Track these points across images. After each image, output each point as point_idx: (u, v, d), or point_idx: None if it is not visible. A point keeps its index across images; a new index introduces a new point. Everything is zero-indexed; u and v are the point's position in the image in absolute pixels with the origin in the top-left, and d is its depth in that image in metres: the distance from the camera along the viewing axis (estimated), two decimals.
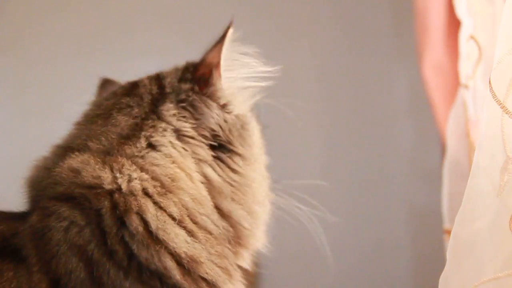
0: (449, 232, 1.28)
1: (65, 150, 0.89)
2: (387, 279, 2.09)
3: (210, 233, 0.85)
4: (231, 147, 0.93)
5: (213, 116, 0.93)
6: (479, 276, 0.84)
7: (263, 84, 0.98)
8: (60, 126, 1.05)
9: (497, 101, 0.80)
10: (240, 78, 0.97)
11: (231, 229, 0.89)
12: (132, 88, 0.96)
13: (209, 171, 0.90)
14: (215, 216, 0.88)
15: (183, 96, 0.92)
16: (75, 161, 0.84)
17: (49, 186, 0.85)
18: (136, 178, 0.83)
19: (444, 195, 1.39)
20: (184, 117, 0.91)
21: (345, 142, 2.11)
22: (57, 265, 0.77)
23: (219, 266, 0.85)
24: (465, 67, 1.32)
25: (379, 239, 2.10)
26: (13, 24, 1.94)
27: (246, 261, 0.94)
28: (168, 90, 0.93)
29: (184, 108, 0.91)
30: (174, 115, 0.90)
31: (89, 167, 0.83)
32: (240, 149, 0.94)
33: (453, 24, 1.42)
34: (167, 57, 1.98)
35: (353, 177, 2.10)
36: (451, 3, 1.40)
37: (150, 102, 0.91)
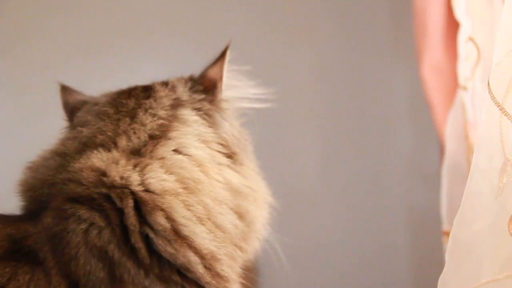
0: (448, 234, 1.28)
1: (84, 146, 0.89)
2: (386, 281, 2.09)
3: (226, 232, 0.89)
4: (238, 158, 0.98)
5: (226, 127, 0.99)
6: (477, 278, 0.84)
7: (256, 106, 1.04)
8: (60, 127, 1.06)
9: (495, 103, 0.80)
10: (235, 98, 1.03)
11: (246, 228, 0.93)
12: (149, 91, 0.98)
13: (228, 173, 0.94)
14: (233, 216, 0.91)
15: (199, 105, 0.97)
16: (99, 159, 0.85)
17: (64, 184, 0.84)
18: (164, 179, 0.85)
19: (443, 197, 1.39)
20: (203, 124, 0.95)
21: (344, 144, 2.11)
22: (76, 267, 0.78)
23: (230, 266, 0.88)
24: (463, 69, 1.32)
25: (378, 241, 2.10)
26: (15, 25, 1.93)
27: (245, 263, 0.96)
28: (184, 98, 0.97)
29: (201, 116, 0.96)
30: (196, 121, 0.95)
31: (119, 167, 0.85)
32: (245, 161, 0.99)
33: (452, 25, 1.42)
34: (168, 59, 1.99)
35: (352, 178, 2.10)
36: (449, 4, 1.40)
37: (171, 107, 0.95)
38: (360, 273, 2.08)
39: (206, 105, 0.98)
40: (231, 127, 1.00)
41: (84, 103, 1.02)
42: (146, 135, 0.89)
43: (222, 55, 1.01)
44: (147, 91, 0.98)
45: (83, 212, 0.80)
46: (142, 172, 0.85)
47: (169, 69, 1.96)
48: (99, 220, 0.80)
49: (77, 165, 0.86)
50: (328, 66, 2.09)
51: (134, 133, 0.89)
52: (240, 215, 0.92)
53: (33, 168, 0.92)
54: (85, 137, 0.91)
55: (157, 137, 0.90)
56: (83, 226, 0.80)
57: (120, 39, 1.97)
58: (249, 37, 2.01)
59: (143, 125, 0.91)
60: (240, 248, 0.92)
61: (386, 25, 2.11)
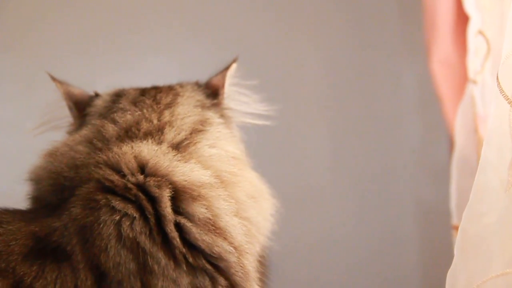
0: (457, 228, 1.28)
1: (125, 132, 0.90)
2: (395, 275, 2.08)
3: (252, 226, 0.91)
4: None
5: (237, 132, 1.05)
6: (487, 272, 0.84)
7: (258, 122, 1.08)
8: (66, 123, 1.06)
9: (504, 96, 0.80)
10: (238, 111, 1.08)
11: (264, 224, 0.96)
12: (174, 90, 1.02)
13: (250, 171, 0.99)
14: (255, 211, 0.94)
15: (218, 110, 1.03)
16: (150, 149, 0.87)
17: (97, 167, 0.85)
18: (203, 172, 0.87)
19: (452, 191, 1.38)
20: (224, 125, 1.00)
21: (353, 138, 2.11)
22: (106, 259, 0.78)
23: (251, 260, 0.89)
24: (473, 62, 1.31)
25: (387, 236, 2.10)
26: (20, 20, 1.94)
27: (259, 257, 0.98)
28: (205, 100, 1.02)
29: (221, 118, 1.02)
30: (220, 123, 1.00)
31: (166, 158, 0.86)
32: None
33: (461, 19, 1.42)
34: (173, 55, 2.00)
35: (361, 173, 2.10)
36: None
37: (201, 107, 1.00)
38: (369, 268, 2.08)
39: (221, 110, 1.04)
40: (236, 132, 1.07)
41: (92, 97, 1.04)
42: (189, 130, 0.93)
43: (227, 67, 1.06)
44: (172, 90, 1.02)
45: (117, 203, 0.81)
46: (184, 164, 0.87)
47: (174, 66, 1.98)
48: (132, 211, 0.80)
49: (117, 150, 0.86)
50: (336, 61, 2.09)
51: (178, 126, 0.93)
52: (259, 211, 0.95)
53: (56, 154, 0.91)
54: (126, 123, 0.92)
55: (196, 131, 0.93)
56: (116, 217, 0.80)
57: (126, 34, 1.97)
58: (257, 30, 2.01)
59: (184, 120, 0.94)
60: (258, 243, 0.93)
61: (395, 19, 2.10)
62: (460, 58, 1.44)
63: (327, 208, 2.08)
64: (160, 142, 0.89)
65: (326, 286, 2.05)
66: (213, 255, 0.82)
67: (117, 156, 0.85)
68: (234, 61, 1.07)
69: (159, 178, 0.84)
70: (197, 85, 1.06)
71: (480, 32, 1.28)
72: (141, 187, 0.83)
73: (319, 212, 2.07)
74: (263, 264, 0.95)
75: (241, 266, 0.85)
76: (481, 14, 1.29)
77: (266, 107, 1.08)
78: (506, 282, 0.82)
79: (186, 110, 0.97)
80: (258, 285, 0.89)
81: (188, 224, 0.82)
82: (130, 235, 0.79)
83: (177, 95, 1.00)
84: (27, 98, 1.83)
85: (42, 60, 1.85)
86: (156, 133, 0.91)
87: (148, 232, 0.80)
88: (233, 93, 1.07)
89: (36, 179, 0.91)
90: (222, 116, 1.03)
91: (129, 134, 0.90)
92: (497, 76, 0.81)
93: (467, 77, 1.35)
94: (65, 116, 1.04)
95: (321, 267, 2.05)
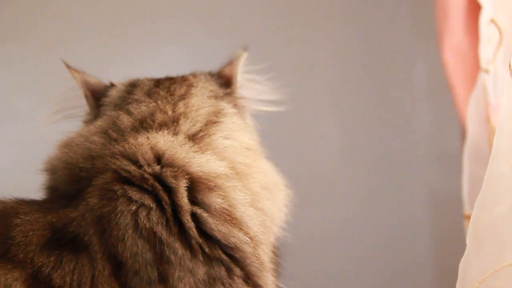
0: (469, 218, 1.28)
1: (141, 123, 0.91)
2: (407, 264, 2.09)
3: (266, 216, 0.91)
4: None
5: (250, 121, 1.07)
6: (499, 261, 0.84)
7: (271, 109, 1.09)
8: (80, 113, 1.06)
9: None
10: (251, 99, 1.08)
11: (277, 214, 0.96)
12: (188, 81, 1.03)
13: (265, 162, 1.00)
14: (270, 201, 0.94)
15: (232, 100, 1.03)
16: (166, 140, 0.88)
17: (113, 157, 0.85)
18: (219, 163, 0.88)
19: (464, 180, 1.38)
20: (238, 115, 1.01)
21: (365, 127, 2.10)
22: (124, 249, 0.78)
23: (266, 250, 0.90)
24: (485, 51, 1.30)
25: (399, 225, 2.10)
26: (32, 10, 1.95)
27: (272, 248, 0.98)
28: (218, 91, 1.03)
29: (235, 108, 1.02)
30: (234, 113, 1.00)
31: (183, 149, 0.87)
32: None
33: (473, 7, 1.41)
34: (186, 43, 2.00)
35: (373, 162, 2.10)
36: None
37: (214, 98, 1.00)
38: (381, 257, 2.08)
39: (235, 100, 1.03)
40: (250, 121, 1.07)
41: (108, 87, 1.04)
42: (203, 121, 0.93)
43: (238, 56, 1.06)
44: (186, 81, 1.02)
45: (134, 193, 0.81)
46: (201, 155, 0.87)
47: (186, 55, 1.98)
48: (149, 201, 0.81)
49: (133, 141, 0.87)
50: (349, 50, 2.08)
51: (193, 118, 0.93)
52: (273, 202, 0.95)
53: (71, 145, 0.92)
54: (141, 115, 0.93)
55: (211, 123, 0.93)
56: (133, 207, 0.80)
57: (138, 24, 1.98)
58: (268, 18, 2.01)
59: (198, 111, 0.95)
60: (272, 234, 0.94)
61: (407, 8, 2.10)
62: (472, 47, 1.44)
63: (338, 197, 2.08)
64: (176, 133, 0.90)
65: (338, 275, 2.06)
66: (229, 245, 0.83)
67: (133, 147, 0.86)
68: (245, 50, 1.07)
69: (175, 169, 0.84)
70: (210, 75, 1.07)
71: (492, 21, 1.27)
72: (158, 178, 0.84)
73: (330, 201, 2.07)
74: (277, 255, 0.95)
75: (256, 257, 0.85)
76: (493, 2, 1.28)
77: (278, 94, 1.08)
78: None
79: (200, 101, 0.97)
80: (273, 276, 0.90)
81: (204, 214, 0.82)
82: (147, 225, 0.79)
83: (190, 86, 1.01)
84: (40, 88, 1.84)
85: (54, 50, 1.86)
86: (171, 124, 0.91)
87: (164, 222, 0.81)
88: (245, 82, 1.07)
89: (52, 170, 0.92)
90: (235, 106, 1.03)
91: (144, 125, 0.91)
92: (510, 65, 0.81)
93: (479, 66, 1.34)
94: (79, 106, 1.05)
95: (333, 257, 2.06)
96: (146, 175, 0.83)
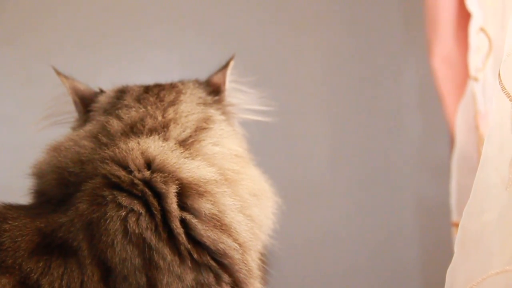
0: (457, 225, 1.28)
1: (131, 128, 0.91)
2: (395, 272, 2.09)
3: (255, 223, 0.91)
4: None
5: (239, 128, 1.07)
6: (487, 269, 0.84)
7: (259, 118, 1.10)
8: (68, 119, 1.06)
9: (506, 93, 0.80)
10: (239, 107, 1.09)
11: (265, 221, 0.96)
12: (176, 87, 1.03)
13: (254, 169, 1.00)
14: (258, 208, 0.94)
15: (220, 107, 1.03)
16: (157, 146, 0.87)
17: (103, 162, 0.85)
18: (208, 169, 0.88)
19: (452, 188, 1.39)
20: (226, 123, 1.01)
21: (354, 135, 2.11)
22: (113, 254, 0.78)
23: (254, 257, 0.90)
24: (474, 60, 1.31)
25: (388, 232, 2.10)
26: (22, 14, 1.94)
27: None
28: (206, 98, 1.03)
29: (223, 115, 1.02)
30: (223, 120, 1.00)
31: (173, 155, 0.87)
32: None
33: (463, 16, 1.41)
34: (175, 49, 2.00)
35: (362, 170, 2.10)
36: None
37: (203, 105, 1.01)
38: (369, 264, 2.08)
39: (223, 107, 1.04)
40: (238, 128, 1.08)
41: (97, 93, 1.04)
42: (193, 127, 0.93)
43: (226, 64, 1.07)
44: (175, 87, 1.03)
45: (123, 199, 0.81)
46: (192, 161, 0.87)
47: (177, 59, 1.98)
48: (138, 207, 0.81)
49: (123, 146, 0.87)
50: (337, 58, 2.09)
51: (183, 124, 0.93)
52: (262, 209, 0.95)
53: (60, 149, 0.91)
54: (130, 120, 0.93)
55: (200, 129, 0.94)
56: (122, 213, 0.80)
57: (127, 30, 1.97)
58: (258, 25, 2.01)
59: (188, 117, 0.95)
60: (260, 241, 0.93)
61: (396, 16, 2.10)
62: (462, 56, 1.44)
63: (327, 204, 2.08)
64: (166, 139, 0.90)
65: (327, 283, 2.05)
66: (218, 251, 0.82)
67: (124, 152, 0.86)
68: (231, 58, 1.08)
69: (166, 174, 0.84)
70: (198, 82, 1.07)
71: (482, 30, 1.28)
72: (148, 183, 0.83)
73: (319, 208, 2.07)
74: (265, 262, 0.95)
75: (245, 263, 0.85)
76: (482, 11, 1.29)
77: (267, 103, 1.08)
78: (506, 279, 0.82)
79: (190, 108, 0.97)
80: (260, 283, 0.90)
81: (193, 220, 0.82)
82: (136, 231, 0.79)
83: (180, 92, 1.01)
84: (29, 93, 1.83)
85: (43, 54, 1.85)
86: (161, 130, 0.91)
87: (154, 228, 0.80)
88: (233, 90, 1.08)
89: (40, 174, 0.91)
90: (224, 113, 1.03)
91: (134, 130, 0.91)
92: (499, 73, 0.81)
93: (468, 74, 1.35)
94: (68, 112, 1.04)
95: (321, 264, 2.05)
96: (136, 181, 0.83)
